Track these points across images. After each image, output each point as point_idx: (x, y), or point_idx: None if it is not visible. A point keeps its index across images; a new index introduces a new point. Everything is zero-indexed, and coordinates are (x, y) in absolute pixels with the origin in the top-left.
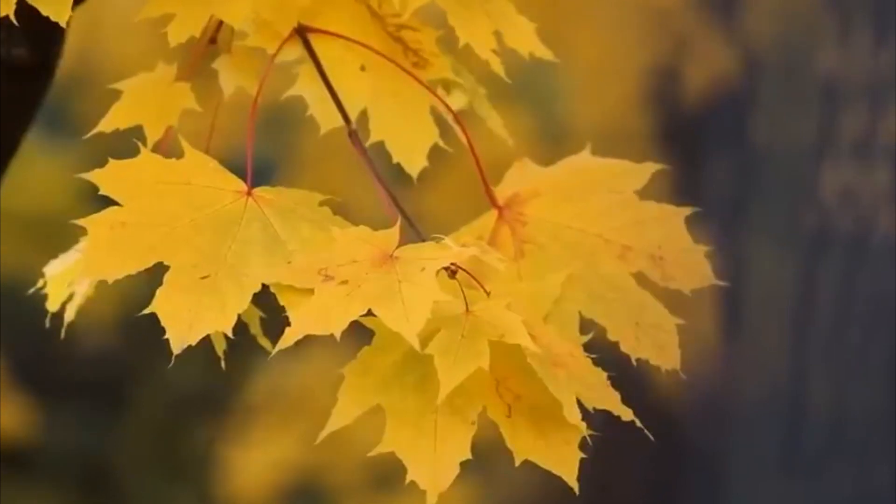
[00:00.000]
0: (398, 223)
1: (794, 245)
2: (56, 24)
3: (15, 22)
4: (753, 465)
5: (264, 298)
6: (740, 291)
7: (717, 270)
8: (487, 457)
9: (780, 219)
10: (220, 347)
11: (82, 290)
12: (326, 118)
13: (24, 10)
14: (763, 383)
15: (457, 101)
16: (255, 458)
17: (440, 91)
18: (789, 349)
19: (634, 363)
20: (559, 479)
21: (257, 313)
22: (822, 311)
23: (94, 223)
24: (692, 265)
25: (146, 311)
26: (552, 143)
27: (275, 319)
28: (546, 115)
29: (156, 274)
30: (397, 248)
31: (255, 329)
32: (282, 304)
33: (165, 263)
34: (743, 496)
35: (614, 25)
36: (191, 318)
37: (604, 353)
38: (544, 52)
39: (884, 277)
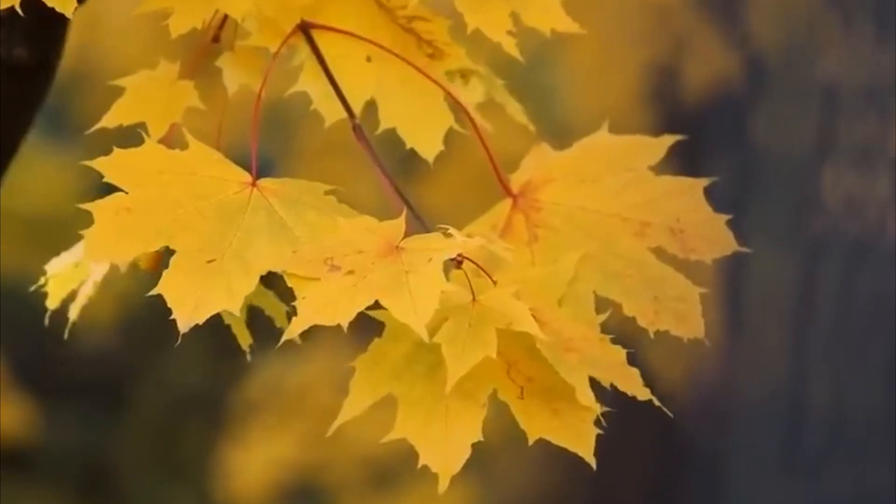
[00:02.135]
0: (404, 214)
1: (795, 245)
2: (56, 24)
3: (20, 12)
4: (753, 465)
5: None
6: (741, 292)
7: (718, 270)
8: (487, 457)
9: (780, 219)
10: (245, 342)
11: (85, 291)
12: (331, 113)
13: (26, 9)
14: (763, 383)
15: (474, 90)
16: (255, 458)
17: (458, 81)
18: (789, 349)
19: (652, 336)
20: (558, 478)
21: (283, 306)
22: (823, 312)
23: (100, 208)
24: (713, 234)
25: (152, 293)
26: (551, 141)
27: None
28: (545, 112)
29: (153, 277)
30: (403, 239)
31: (282, 321)
32: (290, 286)
33: (171, 248)
34: (743, 496)
35: (614, 23)
36: (197, 298)
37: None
38: (569, 26)
39: (884, 278)
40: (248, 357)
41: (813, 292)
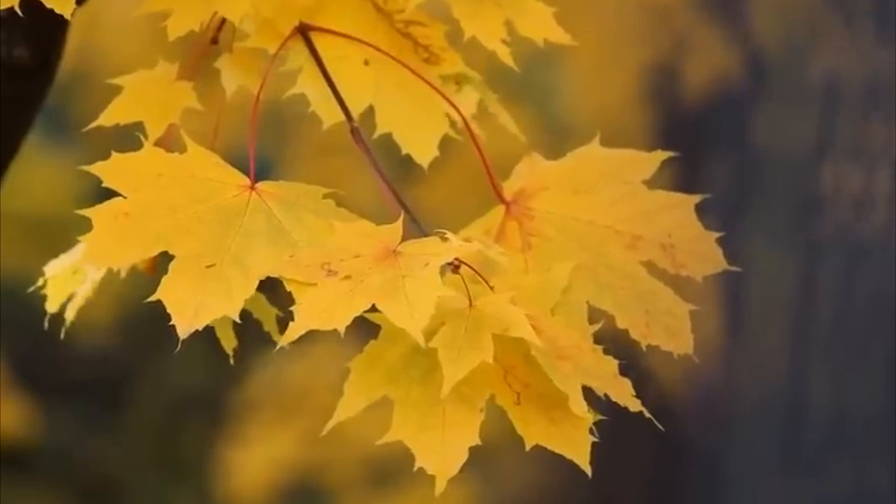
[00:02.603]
0: (401, 218)
1: (795, 245)
2: (57, 25)
3: (20, 13)
4: (753, 464)
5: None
6: (740, 291)
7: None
8: (487, 456)
9: (780, 219)
10: (229, 346)
11: (82, 292)
12: (329, 115)
13: (26, 10)
14: (763, 383)
15: (468, 97)
16: (254, 457)
17: (451, 87)
18: (789, 349)
19: (644, 349)
20: (558, 478)
21: (273, 311)
22: (823, 311)
23: (99, 213)
24: (703, 252)
25: (151, 299)
26: (551, 141)
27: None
28: (545, 113)
29: (152, 278)
30: (400, 243)
31: (271, 326)
32: (289, 290)
33: (170, 253)
34: (743, 496)
35: (614, 23)
36: (196, 304)
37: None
38: (561, 37)
39: (884, 277)
40: (231, 360)
41: (813, 292)
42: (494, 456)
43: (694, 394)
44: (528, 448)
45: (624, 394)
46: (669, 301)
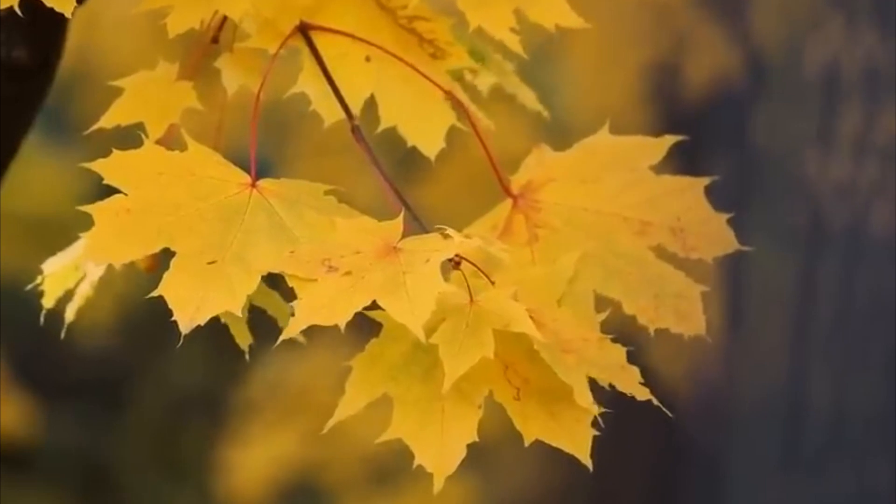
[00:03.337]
0: (402, 214)
1: (794, 244)
2: (56, 25)
3: (19, 13)
4: (753, 464)
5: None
6: (741, 290)
7: (718, 269)
8: (487, 454)
9: (780, 218)
10: (244, 342)
11: (82, 291)
12: (330, 113)
13: (26, 10)
14: (763, 383)
15: (484, 81)
16: (255, 456)
17: (466, 76)
18: (789, 349)
19: (652, 334)
20: (558, 476)
21: (287, 307)
22: (823, 311)
23: (100, 210)
24: (714, 233)
25: (153, 295)
26: (551, 141)
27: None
28: (545, 111)
29: (153, 278)
30: (401, 239)
31: (285, 322)
32: (290, 286)
33: (171, 249)
34: (743, 496)
35: (615, 22)
36: (199, 299)
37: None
38: (574, 21)
39: (884, 276)
40: (247, 357)
41: (813, 291)
42: (494, 453)
43: (694, 393)
44: (527, 444)
45: (631, 383)
46: (680, 283)
